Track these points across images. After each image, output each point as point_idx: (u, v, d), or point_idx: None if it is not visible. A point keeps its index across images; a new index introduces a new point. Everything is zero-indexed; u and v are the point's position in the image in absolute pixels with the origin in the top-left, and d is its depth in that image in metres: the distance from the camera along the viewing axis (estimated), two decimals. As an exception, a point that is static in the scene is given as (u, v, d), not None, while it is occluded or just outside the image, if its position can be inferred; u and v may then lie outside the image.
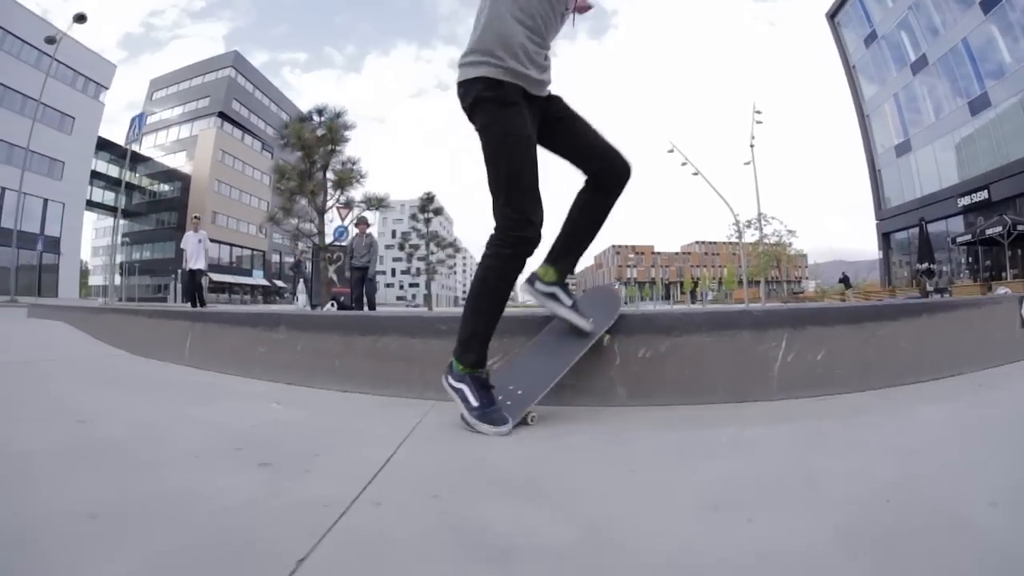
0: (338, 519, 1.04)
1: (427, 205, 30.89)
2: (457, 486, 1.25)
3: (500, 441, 1.59)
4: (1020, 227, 19.59)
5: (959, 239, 23.65)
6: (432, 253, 31.68)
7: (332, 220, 19.51)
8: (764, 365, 2.01)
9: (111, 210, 47.81)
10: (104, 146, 43.91)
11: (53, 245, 36.10)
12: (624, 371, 1.99)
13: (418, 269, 33.18)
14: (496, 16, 1.68)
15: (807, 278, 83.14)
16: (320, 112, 19.83)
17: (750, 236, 28.47)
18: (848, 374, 2.09)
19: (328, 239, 18.95)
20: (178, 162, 55.26)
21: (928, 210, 27.46)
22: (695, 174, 23.72)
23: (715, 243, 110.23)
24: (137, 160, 51.70)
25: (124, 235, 47.79)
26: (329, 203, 19.33)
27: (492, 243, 1.72)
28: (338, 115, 19.66)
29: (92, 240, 63.43)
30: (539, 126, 1.79)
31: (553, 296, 1.91)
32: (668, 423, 1.76)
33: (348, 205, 19.44)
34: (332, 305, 13.31)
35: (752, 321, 2.07)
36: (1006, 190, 22.88)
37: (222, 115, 57.53)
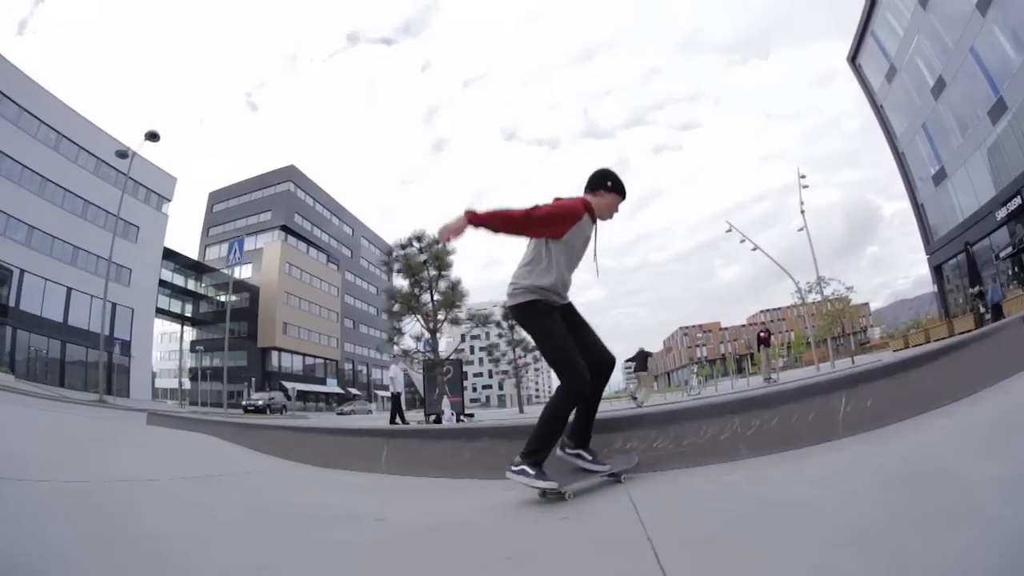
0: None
1: (508, 315, 32.10)
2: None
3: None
4: None
5: (1002, 253, 22.45)
6: (520, 357, 33.31)
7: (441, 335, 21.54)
8: (832, 415, 2.95)
9: (178, 318, 51.34)
10: (169, 255, 47.29)
11: (124, 348, 39.04)
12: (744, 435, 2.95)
13: (504, 371, 35.69)
14: (555, 265, 2.75)
15: (871, 326, 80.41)
16: (419, 238, 21.74)
17: (812, 299, 28.82)
18: (890, 411, 2.94)
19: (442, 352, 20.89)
20: (244, 273, 59.31)
21: (971, 231, 26.36)
22: (754, 250, 24.59)
23: (779, 308, 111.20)
24: (203, 270, 55.99)
25: (195, 342, 51.17)
26: (440, 319, 21.23)
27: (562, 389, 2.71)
28: (436, 241, 20.83)
29: (158, 344, 67.65)
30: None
31: (578, 456, 2.80)
32: (783, 461, 2.72)
33: (456, 321, 21.75)
34: (452, 415, 15.34)
35: (818, 389, 3.06)
36: None
37: (285, 228, 61.06)
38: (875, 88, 35.96)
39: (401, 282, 22.07)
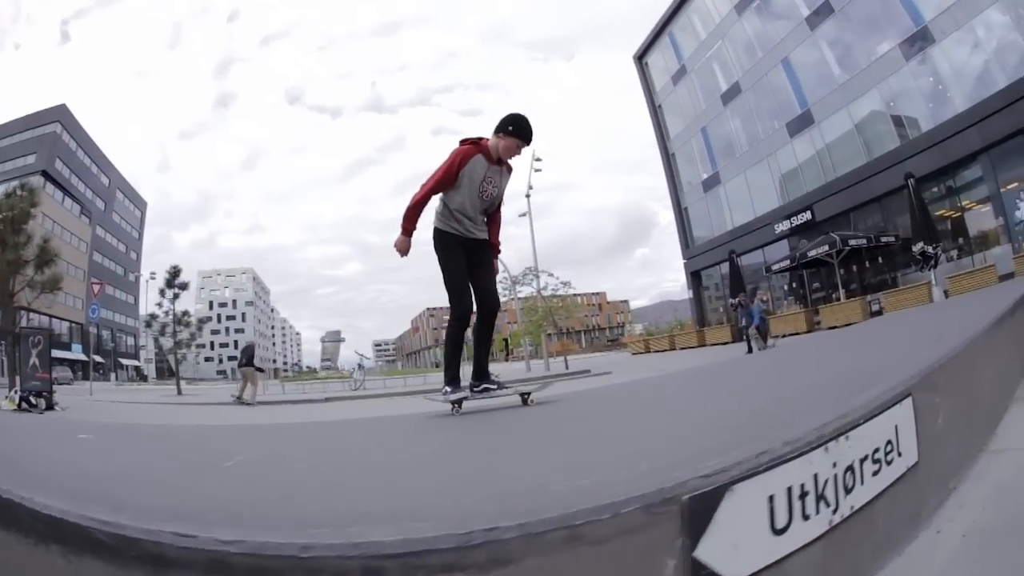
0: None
1: (172, 280, 27.60)
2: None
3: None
4: (851, 243, 18.28)
5: (775, 267, 22.24)
6: (179, 331, 28.35)
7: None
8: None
9: None
10: None
11: None
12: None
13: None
14: (458, 194, 3.32)
15: (631, 322, 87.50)
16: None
17: (526, 292, 26.98)
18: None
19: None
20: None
21: (741, 241, 26.23)
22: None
23: (532, 297, 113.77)
24: None
25: None
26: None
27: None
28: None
29: None
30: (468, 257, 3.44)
31: (485, 389, 3.47)
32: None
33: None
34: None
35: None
36: (831, 208, 21.77)
37: (45, 174, 52.70)
38: (657, 88, 35.29)
39: None
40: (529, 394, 3.46)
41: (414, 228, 3.30)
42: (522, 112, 3.32)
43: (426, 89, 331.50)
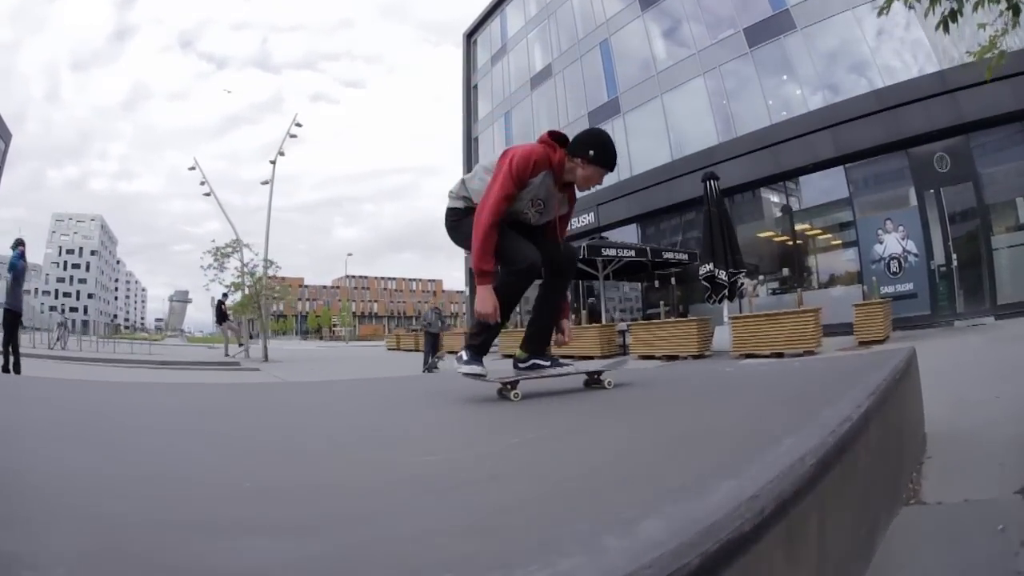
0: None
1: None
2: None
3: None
4: (605, 252, 14.36)
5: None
6: None
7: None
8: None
9: None
10: None
11: None
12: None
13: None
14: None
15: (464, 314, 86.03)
16: None
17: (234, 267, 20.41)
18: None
19: None
20: None
21: None
22: (207, 195, 19.64)
23: (366, 277, 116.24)
24: None
25: None
26: None
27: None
28: None
29: None
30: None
31: (532, 365, 2.62)
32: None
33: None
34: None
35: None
36: (617, 212, 18.50)
37: None
38: (478, 67, 31.57)
39: None
40: (599, 374, 2.69)
41: (494, 270, 2.38)
42: (603, 131, 2.62)
43: (314, 53, 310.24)
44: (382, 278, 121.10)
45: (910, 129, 12.11)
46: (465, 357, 2.49)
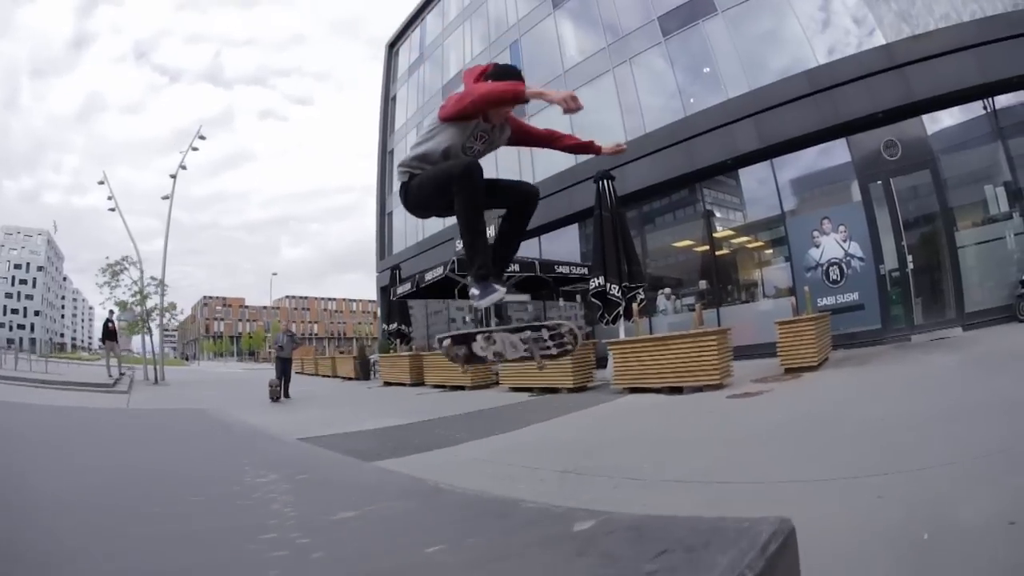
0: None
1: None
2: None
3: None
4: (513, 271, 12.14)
5: (399, 290, 15.75)
6: None
7: None
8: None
9: None
10: None
11: None
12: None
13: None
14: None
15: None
16: None
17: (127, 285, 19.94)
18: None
19: None
20: None
21: (428, 256, 20.31)
22: (112, 210, 20.25)
23: (306, 298, 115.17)
24: None
25: None
26: None
27: None
28: None
29: None
30: None
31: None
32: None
33: None
34: None
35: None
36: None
37: None
38: (397, 76, 29.96)
39: None
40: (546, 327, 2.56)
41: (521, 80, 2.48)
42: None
43: (265, 68, 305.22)
44: (323, 299, 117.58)
45: (849, 112, 10.27)
46: (477, 292, 2.45)
